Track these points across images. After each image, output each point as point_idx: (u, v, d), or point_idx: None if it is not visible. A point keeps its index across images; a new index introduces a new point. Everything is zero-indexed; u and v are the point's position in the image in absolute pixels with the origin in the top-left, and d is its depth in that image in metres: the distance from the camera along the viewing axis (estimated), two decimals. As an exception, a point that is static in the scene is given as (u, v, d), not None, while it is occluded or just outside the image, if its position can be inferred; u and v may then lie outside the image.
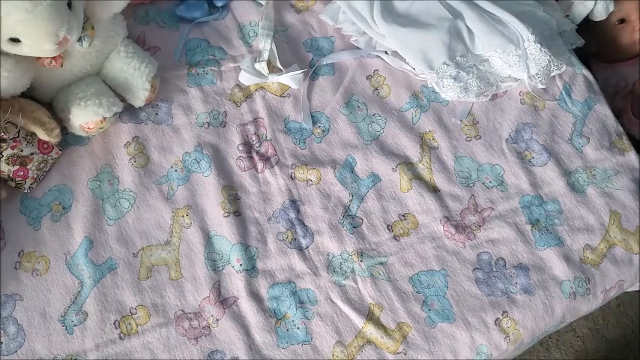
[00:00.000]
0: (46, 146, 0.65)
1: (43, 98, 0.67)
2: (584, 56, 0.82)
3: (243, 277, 0.63)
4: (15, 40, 0.57)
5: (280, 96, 0.74)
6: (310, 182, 0.69)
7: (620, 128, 0.77)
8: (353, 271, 0.65)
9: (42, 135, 0.64)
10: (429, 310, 0.63)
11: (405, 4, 0.76)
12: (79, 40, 0.62)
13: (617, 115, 0.78)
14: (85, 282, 0.62)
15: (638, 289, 0.75)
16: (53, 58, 0.61)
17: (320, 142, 0.72)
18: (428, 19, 0.75)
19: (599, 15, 0.79)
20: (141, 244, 0.64)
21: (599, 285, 0.67)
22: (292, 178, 0.69)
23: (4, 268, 0.62)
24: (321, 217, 0.67)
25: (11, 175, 0.63)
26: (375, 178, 0.70)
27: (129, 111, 0.70)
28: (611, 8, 0.79)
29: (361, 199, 0.69)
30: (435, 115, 0.74)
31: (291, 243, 0.66)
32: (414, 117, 0.74)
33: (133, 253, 0.64)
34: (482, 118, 0.75)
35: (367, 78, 0.76)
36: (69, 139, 0.68)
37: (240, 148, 0.70)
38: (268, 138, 0.71)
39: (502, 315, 0.64)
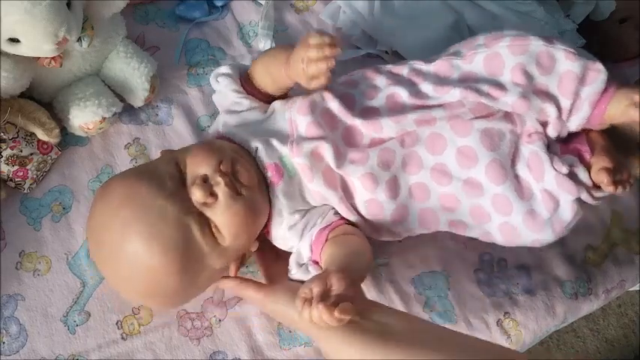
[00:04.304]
0: (45, 146, 0.65)
1: (43, 98, 0.67)
2: (585, 56, 0.82)
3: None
4: (14, 41, 0.57)
5: (281, 96, 0.73)
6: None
7: (621, 128, 0.77)
8: (354, 271, 0.65)
9: (41, 135, 0.64)
10: (431, 311, 0.63)
11: (406, 4, 0.76)
12: (79, 40, 0.62)
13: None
14: (88, 282, 0.62)
15: (638, 289, 0.75)
16: (52, 58, 0.61)
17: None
18: (428, 18, 0.75)
19: (600, 15, 0.79)
20: (142, 244, 0.64)
21: (600, 285, 0.67)
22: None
23: (5, 269, 0.62)
24: (323, 217, 0.67)
25: (11, 176, 0.63)
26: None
27: (129, 112, 0.70)
28: (612, 8, 0.79)
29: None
30: (436, 114, 0.74)
31: (293, 243, 0.66)
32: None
33: (135, 254, 0.64)
34: (482, 117, 0.75)
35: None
36: (69, 140, 0.68)
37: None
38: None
39: (504, 316, 0.64)
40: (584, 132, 0.58)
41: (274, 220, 0.57)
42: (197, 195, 0.52)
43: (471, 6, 0.75)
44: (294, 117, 0.58)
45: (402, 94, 0.58)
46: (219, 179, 0.52)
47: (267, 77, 0.62)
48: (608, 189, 0.54)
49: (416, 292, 0.64)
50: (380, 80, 0.60)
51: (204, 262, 0.54)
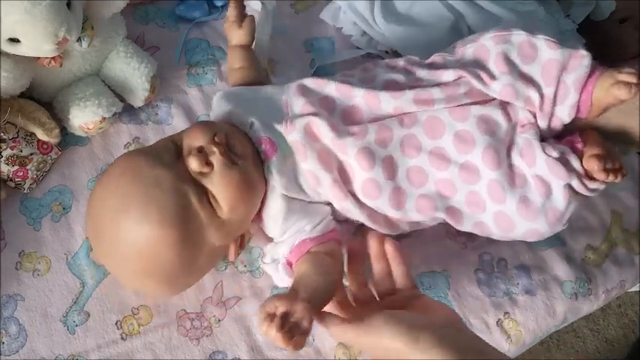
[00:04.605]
0: (45, 146, 0.65)
1: (43, 98, 0.67)
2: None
3: (247, 278, 0.63)
4: (14, 41, 0.57)
5: (281, 96, 0.73)
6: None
7: (621, 128, 0.77)
8: (355, 271, 0.65)
9: (41, 135, 0.64)
10: (431, 311, 0.63)
11: (406, 4, 0.76)
12: (79, 40, 0.62)
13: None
14: (87, 282, 0.62)
15: (638, 290, 0.75)
16: (52, 58, 0.61)
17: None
18: (428, 19, 0.75)
19: (600, 15, 0.79)
20: (142, 244, 0.64)
21: (600, 285, 0.67)
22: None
23: (5, 269, 0.62)
24: (323, 217, 0.67)
25: (11, 176, 0.63)
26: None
27: (129, 111, 0.70)
28: (612, 8, 0.79)
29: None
30: (436, 114, 0.74)
31: (293, 243, 0.66)
32: (414, 116, 0.74)
33: (135, 254, 0.64)
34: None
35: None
36: (69, 140, 0.68)
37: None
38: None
39: (504, 316, 0.64)
40: (578, 131, 0.59)
41: (268, 198, 0.57)
42: (193, 164, 0.53)
43: (471, 6, 0.75)
44: (290, 99, 0.60)
45: (399, 79, 0.60)
46: (214, 149, 0.53)
47: (236, 72, 0.67)
48: (600, 176, 0.54)
49: (416, 292, 0.64)
50: (377, 70, 0.62)
51: (203, 235, 0.54)
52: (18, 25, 0.55)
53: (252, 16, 0.66)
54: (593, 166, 0.54)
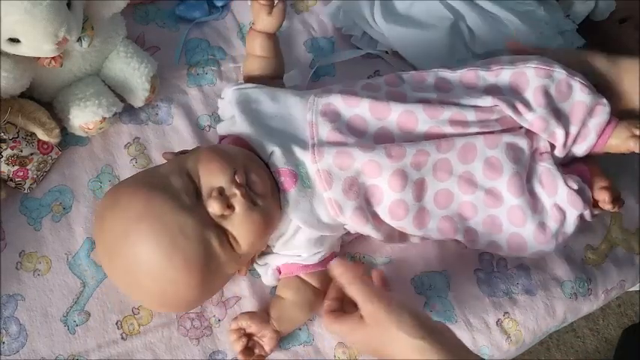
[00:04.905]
0: (45, 146, 0.65)
1: (43, 98, 0.67)
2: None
3: (247, 278, 0.63)
4: (14, 41, 0.57)
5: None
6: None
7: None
8: (354, 271, 0.65)
9: (42, 135, 0.64)
10: (431, 311, 0.63)
11: (406, 4, 0.76)
12: (79, 40, 0.62)
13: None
14: (88, 282, 0.62)
15: (638, 289, 0.75)
16: (53, 58, 0.61)
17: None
18: (428, 19, 0.75)
19: (600, 15, 0.80)
20: (142, 244, 0.64)
21: (600, 285, 0.67)
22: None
23: (5, 269, 0.61)
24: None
25: (11, 176, 0.63)
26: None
27: (129, 111, 0.70)
28: (612, 8, 0.79)
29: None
30: (436, 114, 0.74)
31: (293, 243, 0.66)
32: (414, 116, 0.74)
33: (135, 254, 0.64)
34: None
35: (368, 78, 0.76)
36: (69, 140, 0.68)
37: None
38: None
39: (503, 316, 0.64)
40: (583, 161, 0.62)
41: (280, 223, 0.57)
42: (215, 208, 0.52)
43: (471, 6, 0.75)
44: (316, 121, 0.58)
45: (431, 98, 0.59)
46: (236, 191, 0.52)
47: (255, 61, 0.66)
48: (608, 207, 0.59)
49: (416, 292, 0.64)
50: (404, 87, 0.61)
51: (221, 271, 0.55)
52: (18, 25, 0.55)
53: (284, 3, 0.63)
54: (604, 197, 0.59)
